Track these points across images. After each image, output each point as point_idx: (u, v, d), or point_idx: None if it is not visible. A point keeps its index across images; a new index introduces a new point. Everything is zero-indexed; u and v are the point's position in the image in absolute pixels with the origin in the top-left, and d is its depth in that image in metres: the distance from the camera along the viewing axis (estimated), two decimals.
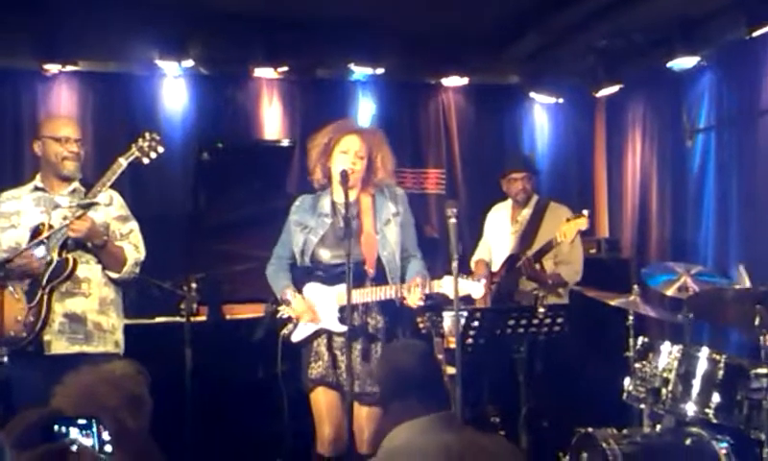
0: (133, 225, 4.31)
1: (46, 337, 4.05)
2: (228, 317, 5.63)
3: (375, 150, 4.17)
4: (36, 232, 4.10)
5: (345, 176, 4.01)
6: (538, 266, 5.39)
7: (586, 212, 5.17)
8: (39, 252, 4.05)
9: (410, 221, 4.26)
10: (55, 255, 4.05)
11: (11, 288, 4.03)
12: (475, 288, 3.97)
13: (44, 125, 4.33)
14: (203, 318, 5.39)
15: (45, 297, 4.04)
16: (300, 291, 4.19)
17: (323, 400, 4.11)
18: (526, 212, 5.69)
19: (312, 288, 4.16)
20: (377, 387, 3.78)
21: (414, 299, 4.00)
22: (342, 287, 3.99)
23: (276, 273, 4.28)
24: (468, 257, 5.88)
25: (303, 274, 4.22)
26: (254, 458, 5.18)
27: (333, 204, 4.19)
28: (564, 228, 5.16)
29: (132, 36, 5.91)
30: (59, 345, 4.07)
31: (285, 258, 4.28)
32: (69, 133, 4.21)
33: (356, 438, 3.99)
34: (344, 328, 3.99)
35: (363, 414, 4.04)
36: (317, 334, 4.15)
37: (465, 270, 4.55)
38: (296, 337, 4.18)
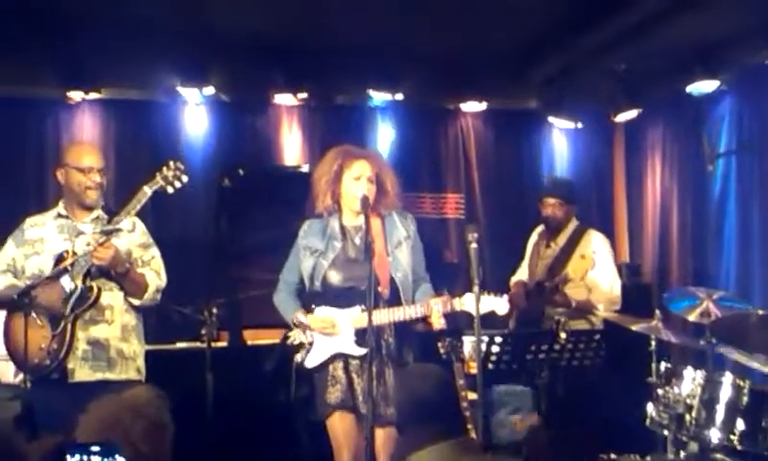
0: (155, 252, 4.34)
1: (69, 364, 4.07)
2: (249, 342, 5.63)
3: (383, 173, 4.21)
4: (59, 260, 4.12)
5: (366, 201, 4.05)
6: (560, 294, 5.37)
7: (594, 256, 5.15)
8: (63, 280, 4.07)
9: (419, 245, 4.28)
10: (79, 283, 4.07)
11: (34, 315, 4.04)
12: (499, 304, 3.99)
13: (67, 153, 4.36)
14: (223, 344, 5.40)
15: (69, 324, 4.06)
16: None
17: (340, 426, 4.11)
18: (561, 239, 5.69)
19: (324, 312, 4.16)
20: (393, 409, 3.80)
21: (436, 318, 4.00)
22: (356, 310, 4.02)
23: (286, 298, 4.29)
24: (508, 278, 5.86)
25: (313, 298, 4.21)
26: None
27: (343, 227, 4.20)
28: (575, 264, 5.18)
29: (154, 64, 5.95)
30: (82, 372, 4.09)
31: (293, 283, 4.29)
32: (92, 163, 4.24)
33: None
34: (362, 351, 3.99)
35: (379, 437, 4.03)
36: (332, 358, 4.15)
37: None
38: (310, 363, 4.18)
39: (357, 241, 4.18)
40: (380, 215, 4.20)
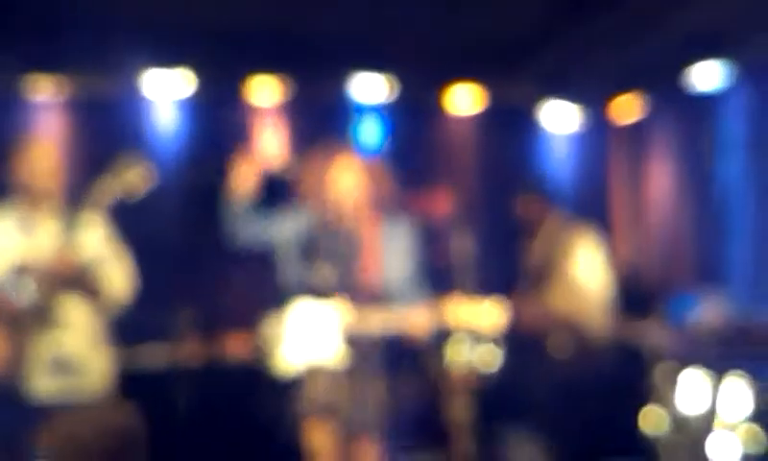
0: (121, 254, 4.31)
1: (28, 377, 4.02)
2: (223, 351, 5.63)
3: (375, 174, 4.22)
4: (17, 264, 4.07)
5: (356, 200, 4.10)
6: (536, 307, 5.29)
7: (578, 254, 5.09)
8: (21, 284, 4.03)
9: (413, 248, 4.27)
10: (37, 288, 4.03)
11: None
12: (489, 313, 3.98)
13: (25, 149, 4.31)
14: (195, 353, 5.39)
15: (27, 333, 4.01)
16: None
17: (318, 436, 4.10)
18: (540, 240, 5.49)
19: (306, 308, 4.14)
20: (375, 420, 3.80)
21: (423, 325, 4.01)
22: (341, 311, 4.02)
23: None
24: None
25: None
26: None
27: (331, 225, 4.19)
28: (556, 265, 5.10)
29: (123, 54, 5.92)
30: (43, 385, 4.04)
31: None
32: (50, 160, 4.21)
33: None
34: (346, 358, 3.98)
35: (360, 448, 4.04)
36: (313, 364, 4.13)
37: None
38: (288, 370, 4.16)
39: (345, 240, 4.17)
40: (374, 217, 4.20)
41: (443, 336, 5.02)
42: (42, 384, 4.04)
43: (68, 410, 2.70)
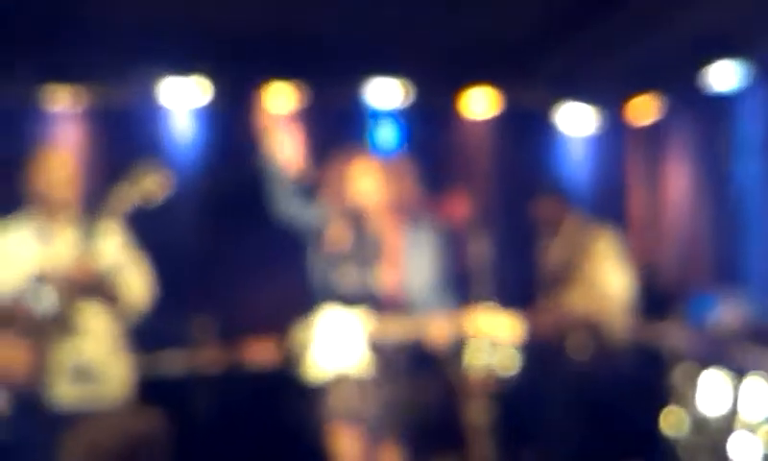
0: (139, 261, 4.35)
1: (51, 386, 4.06)
2: (243, 357, 5.66)
3: (399, 177, 4.22)
4: (35, 273, 4.11)
5: (374, 203, 4.12)
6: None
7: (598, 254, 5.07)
8: (42, 294, 4.07)
9: (436, 255, 4.27)
10: (58, 297, 4.07)
11: (13, 334, 4.04)
12: (508, 324, 3.98)
13: (41, 159, 4.36)
14: (216, 359, 5.42)
15: (50, 342, 4.05)
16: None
17: (343, 441, 4.14)
18: (559, 241, 5.55)
19: (332, 315, 4.17)
20: (399, 425, 3.82)
21: (443, 334, 4.02)
22: (365, 317, 4.05)
23: None
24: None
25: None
26: None
27: (350, 230, 4.21)
28: (576, 266, 5.12)
29: (138, 63, 5.97)
30: (65, 392, 4.08)
31: None
32: (67, 169, 4.26)
33: None
34: (370, 364, 4.00)
35: (384, 453, 4.08)
36: (339, 371, 4.16)
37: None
38: (315, 376, 4.19)
39: (367, 245, 4.17)
40: (397, 222, 4.21)
41: (462, 343, 5.05)
42: (64, 392, 4.08)
43: (90, 417, 2.72)
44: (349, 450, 4.13)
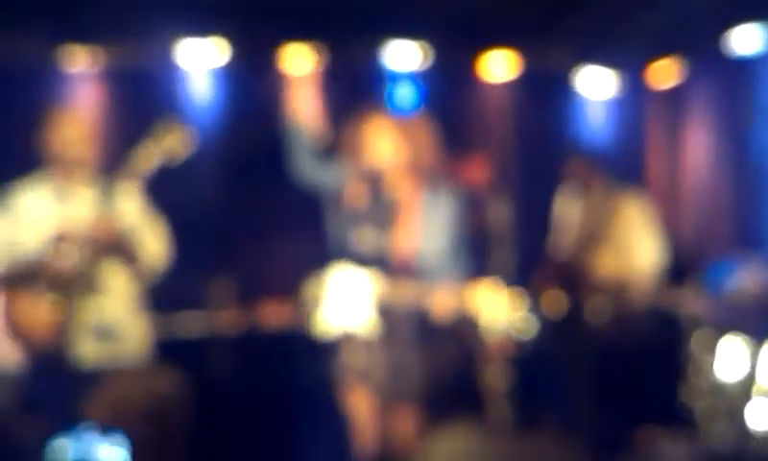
0: (157, 220, 4.38)
1: (75, 343, 4.11)
2: (261, 319, 5.70)
3: (417, 138, 4.22)
4: (57, 232, 4.15)
5: (392, 164, 4.12)
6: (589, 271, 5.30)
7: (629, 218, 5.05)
8: (65, 252, 4.11)
9: (453, 220, 4.26)
10: (81, 256, 4.11)
11: (36, 292, 4.08)
12: (518, 305, 3.98)
13: (57, 119, 4.38)
14: (234, 320, 5.46)
15: (73, 300, 4.10)
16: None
17: (355, 400, 4.18)
18: (589, 203, 5.49)
19: (344, 273, 4.18)
20: (411, 389, 3.85)
21: (454, 306, 4.01)
22: (376, 279, 4.05)
23: None
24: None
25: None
26: None
27: (367, 191, 4.21)
28: (606, 230, 5.10)
29: (156, 24, 5.98)
30: (87, 351, 4.13)
31: None
32: (82, 130, 4.28)
33: (388, 441, 4.08)
34: (377, 326, 4.04)
35: (397, 416, 4.11)
36: (347, 329, 4.18)
37: (521, 276, 4.52)
38: (324, 333, 4.21)
39: (383, 206, 4.18)
40: (416, 184, 4.20)
41: (471, 315, 5.06)
42: (86, 350, 4.13)
43: (111, 375, 2.78)
44: (361, 410, 4.17)
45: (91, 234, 4.09)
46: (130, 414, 2.46)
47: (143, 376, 3.19)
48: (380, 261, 4.09)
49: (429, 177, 4.23)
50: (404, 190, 4.19)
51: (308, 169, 4.28)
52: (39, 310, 4.09)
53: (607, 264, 5.38)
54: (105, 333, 4.17)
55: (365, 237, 4.18)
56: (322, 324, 4.22)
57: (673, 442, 4.12)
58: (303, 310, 4.27)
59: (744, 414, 4.09)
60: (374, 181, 4.19)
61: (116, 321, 4.20)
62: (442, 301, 4.02)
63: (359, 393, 4.18)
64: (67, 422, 2.88)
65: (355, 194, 4.21)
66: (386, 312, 3.97)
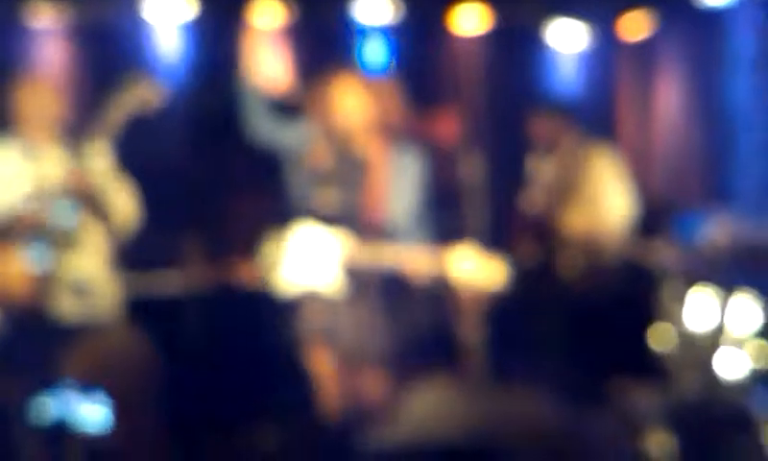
0: (125, 183, 4.37)
1: (49, 299, 4.10)
2: (231, 277, 5.70)
3: (385, 97, 4.22)
4: (30, 190, 4.12)
5: (359, 123, 4.12)
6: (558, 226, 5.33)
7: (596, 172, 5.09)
8: (38, 208, 4.08)
9: (422, 181, 4.26)
10: (54, 211, 4.09)
11: (10, 249, 4.06)
12: (494, 271, 3.99)
13: (24, 81, 4.34)
14: (203, 278, 5.46)
15: (49, 257, 4.08)
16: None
17: (318, 360, 4.19)
18: (557, 158, 5.49)
19: (306, 232, 4.18)
20: (377, 349, 3.87)
21: (425, 269, 4.02)
22: (343, 239, 4.06)
23: None
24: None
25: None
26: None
27: (334, 149, 4.20)
28: (574, 185, 5.14)
29: None
30: (62, 306, 4.12)
31: None
32: (48, 96, 4.25)
33: (355, 401, 4.09)
34: (342, 286, 4.05)
35: (364, 375, 4.13)
36: (308, 288, 4.18)
37: (494, 231, 4.53)
38: (286, 292, 4.20)
39: (350, 166, 4.18)
40: (383, 143, 4.20)
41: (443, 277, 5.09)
42: (62, 305, 4.12)
43: (89, 332, 2.80)
44: (325, 370, 4.17)
45: (63, 188, 4.07)
46: (109, 371, 2.48)
47: (119, 332, 3.19)
48: (348, 221, 4.09)
49: (398, 136, 4.24)
50: (372, 150, 4.19)
51: (264, 129, 4.25)
52: (14, 266, 4.07)
53: (577, 218, 5.41)
54: (80, 289, 4.16)
55: (328, 197, 4.17)
56: (282, 282, 4.22)
57: (645, 393, 4.18)
58: (263, 267, 4.26)
59: (713, 364, 4.16)
60: (342, 141, 4.18)
61: (90, 276, 4.19)
62: (413, 259, 4.03)
63: (321, 352, 4.17)
64: (47, 380, 2.90)
65: (320, 154, 4.20)
66: (354, 272, 3.97)
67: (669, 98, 7.02)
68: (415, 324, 4.12)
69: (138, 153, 5.46)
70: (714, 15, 6.35)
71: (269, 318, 4.39)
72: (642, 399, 4.13)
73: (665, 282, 4.63)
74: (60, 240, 4.11)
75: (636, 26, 6.94)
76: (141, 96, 4.17)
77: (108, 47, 6.50)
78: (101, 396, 2.16)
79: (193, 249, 5.07)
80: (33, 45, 6.41)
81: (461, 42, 7.16)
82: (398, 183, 4.19)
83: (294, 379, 4.48)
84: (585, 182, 5.24)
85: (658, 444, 4.02)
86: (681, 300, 4.33)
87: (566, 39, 7.25)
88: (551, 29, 7.19)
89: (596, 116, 7.31)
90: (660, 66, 7.12)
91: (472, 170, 4.02)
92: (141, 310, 4.41)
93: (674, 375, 4.50)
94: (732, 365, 4.12)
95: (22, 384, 3.11)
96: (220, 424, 5.13)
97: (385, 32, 6.92)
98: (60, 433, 3.38)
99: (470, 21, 7.01)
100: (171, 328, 4.78)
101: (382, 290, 4.16)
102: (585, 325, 5.24)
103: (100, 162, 4.27)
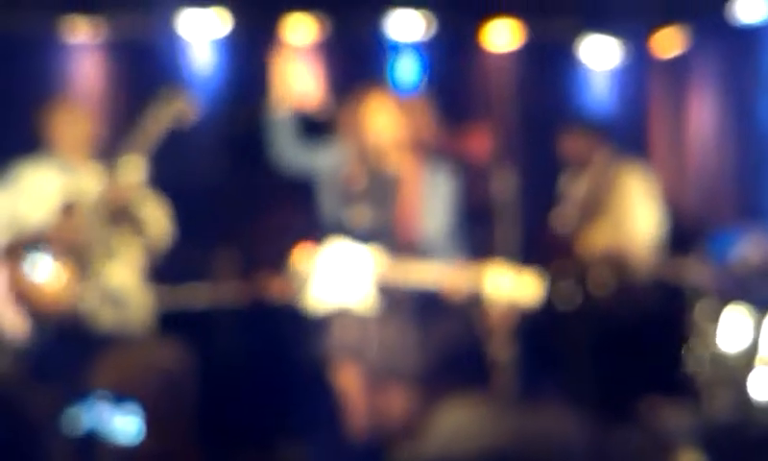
0: (159, 198, 4.42)
1: (85, 312, 4.15)
2: (264, 292, 5.74)
3: (416, 112, 4.24)
4: (66, 203, 4.19)
5: (391, 141, 4.12)
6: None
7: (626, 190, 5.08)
8: (74, 221, 4.14)
9: (454, 198, 4.27)
10: (90, 224, 4.14)
11: (47, 261, 4.12)
12: (526, 288, 3.98)
13: (61, 105, 4.41)
14: (237, 293, 5.50)
15: (83, 268, 4.14)
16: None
17: (345, 378, 4.19)
18: (588, 176, 5.51)
19: (338, 249, 4.20)
20: (405, 366, 3.87)
21: (458, 286, 4.02)
22: (375, 257, 4.07)
23: None
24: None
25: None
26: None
27: (366, 167, 4.22)
28: (604, 203, 5.14)
29: None
30: (97, 318, 4.17)
31: None
32: (84, 123, 4.32)
33: (385, 419, 4.09)
34: (375, 303, 4.08)
35: (389, 394, 4.13)
36: (339, 305, 4.20)
37: (529, 253, 4.53)
38: (316, 308, 4.22)
39: (383, 183, 4.19)
40: (416, 160, 4.22)
41: (477, 295, 5.09)
42: (97, 316, 4.16)
43: (122, 344, 2.84)
44: (351, 388, 4.17)
45: (99, 201, 4.13)
46: (141, 382, 2.52)
47: (152, 344, 3.24)
48: (380, 238, 4.10)
49: (430, 153, 4.25)
50: (404, 167, 4.20)
51: (291, 155, 4.26)
52: (50, 277, 4.11)
53: (606, 235, 5.41)
54: (114, 300, 4.21)
55: (361, 214, 4.20)
56: (313, 299, 4.25)
57: (676, 412, 4.16)
58: (293, 283, 4.28)
59: (747, 384, 4.13)
60: (374, 158, 4.20)
61: (125, 288, 4.24)
62: (446, 276, 4.04)
63: (351, 369, 4.17)
64: (80, 391, 2.94)
65: (352, 171, 4.22)
66: (386, 289, 3.98)
67: (702, 115, 7.00)
68: (445, 341, 4.12)
69: (172, 168, 5.53)
70: (748, 32, 6.32)
71: (299, 334, 4.41)
72: (673, 418, 4.12)
73: (698, 301, 4.61)
74: (94, 251, 4.16)
75: (668, 42, 6.94)
76: (176, 111, 4.22)
77: (142, 62, 6.58)
78: (133, 407, 2.19)
79: (225, 263, 5.12)
80: (69, 61, 6.50)
81: (493, 59, 7.17)
82: (431, 200, 4.20)
83: (322, 395, 4.51)
84: (615, 200, 5.24)
85: None
86: (714, 319, 4.31)
87: (599, 56, 7.24)
88: (584, 45, 7.20)
89: (629, 133, 7.30)
90: (693, 83, 7.10)
91: (504, 187, 4.03)
92: (173, 323, 4.45)
93: (706, 394, 4.49)
94: (765, 385, 4.10)
95: (55, 394, 3.16)
96: (250, 438, 5.17)
97: (417, 48, 6.94)
98: (92, 444, 3.42)
99: (503, 37, 7.02)
100: (201, 342, 4.81)
101: (414, 307, 4.17)
102: (616, 342, 5.22)
103: (135, 177, 4.32)
